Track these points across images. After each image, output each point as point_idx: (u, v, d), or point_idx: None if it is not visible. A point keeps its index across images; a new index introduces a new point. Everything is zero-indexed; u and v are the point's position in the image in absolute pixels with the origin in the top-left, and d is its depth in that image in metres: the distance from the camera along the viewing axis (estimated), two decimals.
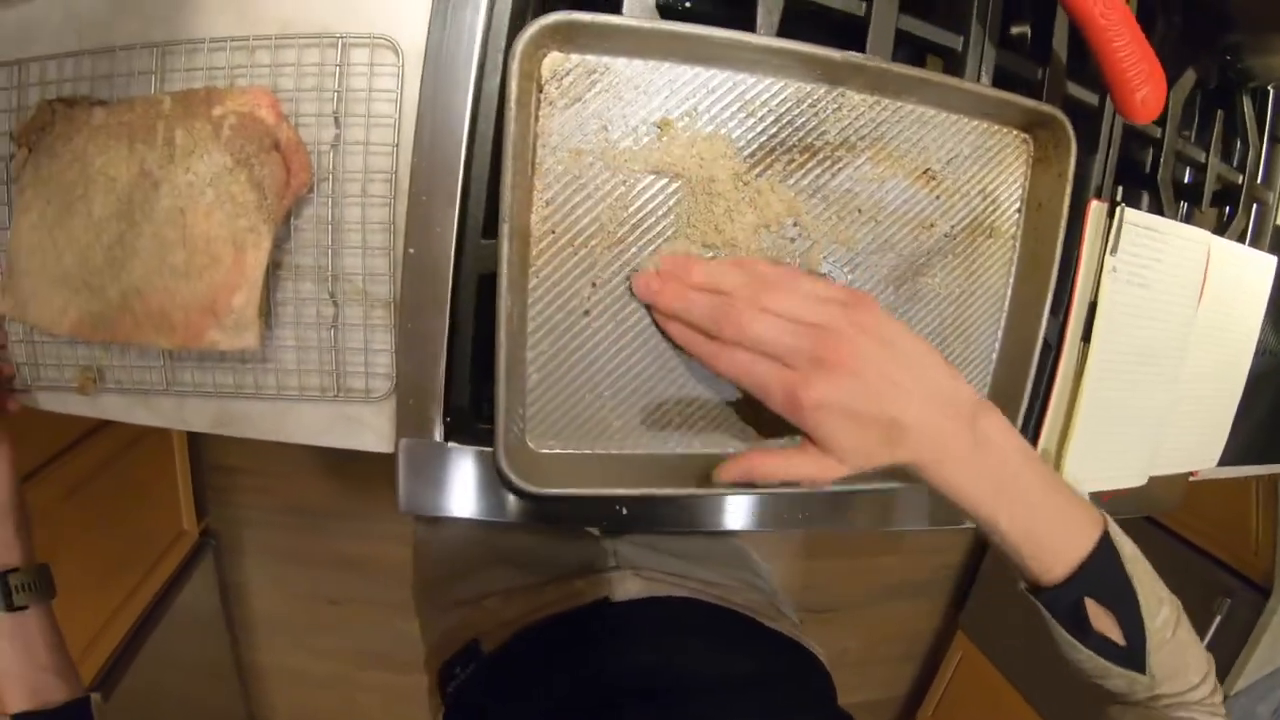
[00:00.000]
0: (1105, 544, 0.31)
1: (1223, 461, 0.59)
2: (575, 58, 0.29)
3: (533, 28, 0.27)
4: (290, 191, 0.31)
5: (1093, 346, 0.41)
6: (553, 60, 0.29)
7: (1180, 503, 0.56)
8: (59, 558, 0.37)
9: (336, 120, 0.32)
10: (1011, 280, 0.38)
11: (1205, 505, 1.05)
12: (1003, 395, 0.38)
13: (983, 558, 1.67)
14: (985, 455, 0.29)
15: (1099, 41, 0.33)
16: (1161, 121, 0.43)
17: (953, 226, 0.36)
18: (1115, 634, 0.31)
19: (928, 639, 1.72)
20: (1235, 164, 0.48)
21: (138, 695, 0.85)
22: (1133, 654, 0.31)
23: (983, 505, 0.30)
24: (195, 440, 1.22)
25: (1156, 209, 0.44)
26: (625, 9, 0.30)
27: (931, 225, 0.35)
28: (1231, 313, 0.48)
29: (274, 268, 0.33)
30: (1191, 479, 0.55)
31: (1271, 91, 0.49)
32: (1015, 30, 0.40)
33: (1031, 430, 0.43)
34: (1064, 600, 0.31)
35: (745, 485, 0.30)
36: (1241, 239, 0.49)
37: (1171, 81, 0.43)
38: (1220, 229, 0.47)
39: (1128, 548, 0.31)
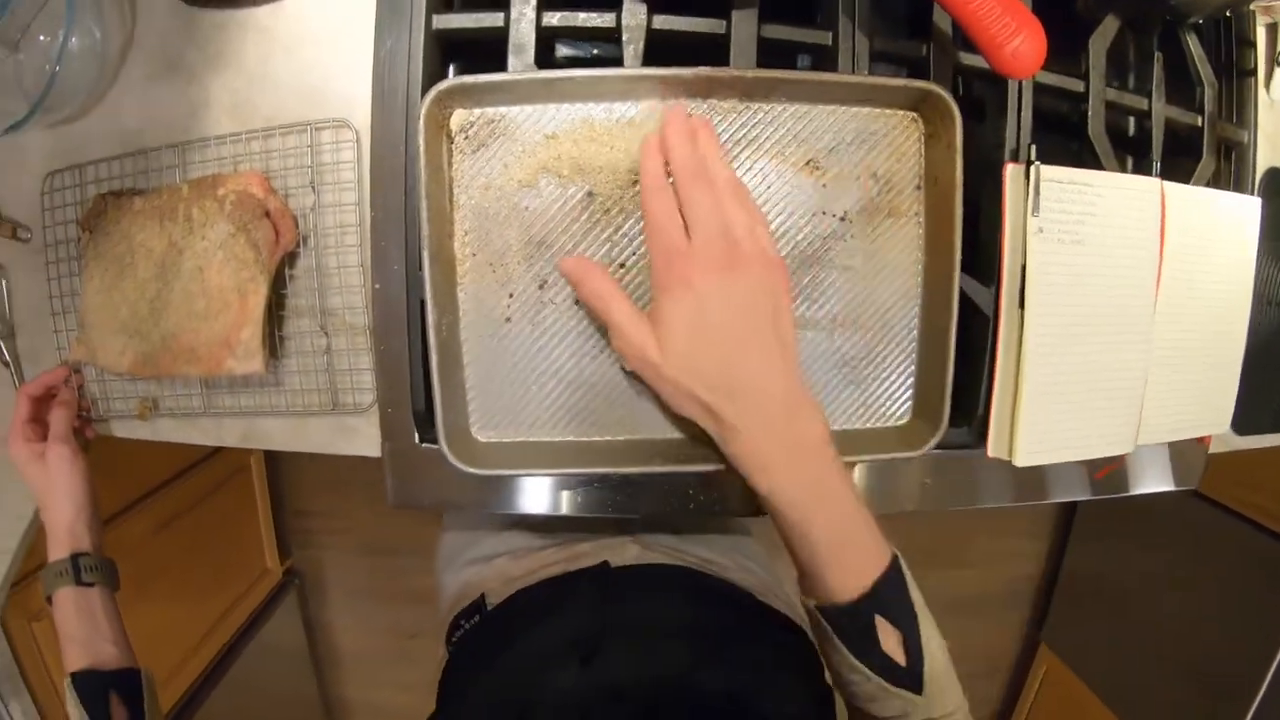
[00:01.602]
0: (897, 565, 0.33)
1: (1256, 430, 0.56)
2: (477, 111, 0.37)
3: (431, 94, 0.35)
4: (279, 248, 0.41)
5: (1029, 312, 0.43)
6: (459, 116, 0.37)
7: (1200, 475, 0.54)
8: (147, 588, 0.48)
9: (314, 188, 0.42)
10: (922, 257, 0.41)
11: (1271, 481, 0.94)
12: (929, 371, 0.40)
13: (1060, 568, 1.59)
14: (811, 454, 0.32)
15: (952, 4, 0.36)
16: (1084, 74, 0.45)
17: (845, 211, 0.40)
18: (898, 654, 0.33)
19: (1009, 655, 1.65)
20: (1196, 107, 0.48)
21: None
22: (912, 674, 0.33)
23: (795, 507, 0.32)
24: (276, 486, 1.42)
25: (1096, 165, 0.45)
26: (509, 66, 0.38)
27: (823, 213, 0.39)
28: (1210, 263, 0.47)
29: (278, 309, 0.43)
30: (1210, 449, 0.53)
31: (1233, 19, 0.48)
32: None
33: (981, 404, 0.45)
34: (855, 618, 0.33)
35: (574, 286, 0.34)
36: (1218, 183, 0.48)
37: (1090, 30, 0.45)
38: (1186, 176, 0.47)
39: (908, 574, 0.34)
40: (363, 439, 0.45)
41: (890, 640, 0.33)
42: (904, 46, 0.42)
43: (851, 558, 0.33)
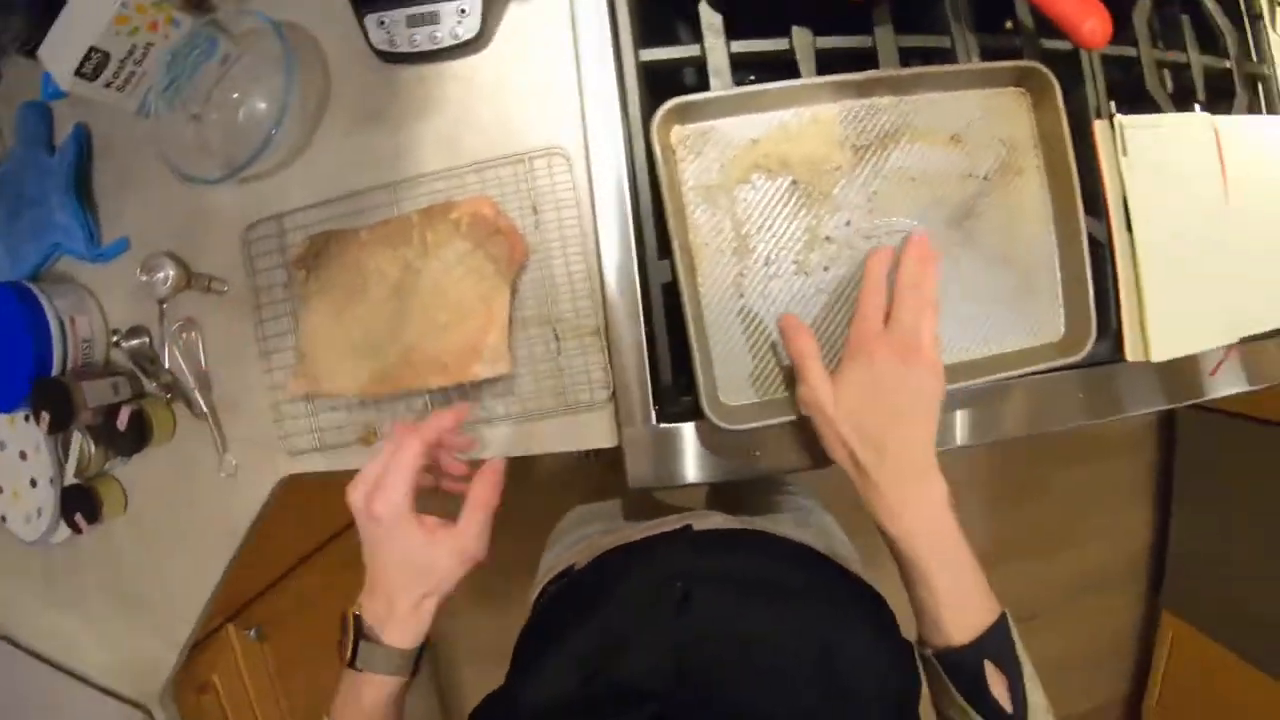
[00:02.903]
0: (1005, 619, 0.49)
1: None
2: (690, 126, 0.58)
3: (660, 113, 0.56)
4: (515, 260, 0.60)
5: (1137, 231, 0.66)
6: (676, 131, 0.58)
7: None
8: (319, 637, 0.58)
9: (534, 209, 0.61)
10: (1050, 200, 0.64)
11: None
12: (1072, 289, 0.63)
13: (1169, 531, 1.96)
14: (934, 510, 0.49)
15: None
16: (1133, 41, 0.71)
17: (986, 172, 0.62)
18: (1005, 701, 0.47)
19: (1134, 628, 2.02)
20: (1222, 53, 0.75)
21: None
22: None
23: (918, 554, 0.49)
24: None
25: (1157, 113, 0.71)
26: (712, 87, 0.59)
27: (969, 175, 0.62)
28: (1268, 173, 0.73)
29: (509, 323, 0.61)
30: None
31: None
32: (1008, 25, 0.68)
33: (1114, 321, 0.67)
34: (969, 661, 0.47)
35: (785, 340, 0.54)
36: (1254, 112, 0.75)
37: (1131, 6, 0.71)
38: (1228, 111, 0.74)
39: (1016, 631, 0.50)
40: (595, 433, 0.62)
41: (998, 687, 0.48)
42: (1000, 40, 0.66)
43: (965, 604, 0.49)
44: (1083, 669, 1.98)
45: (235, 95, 0.65)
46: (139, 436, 0.63)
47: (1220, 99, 0.75)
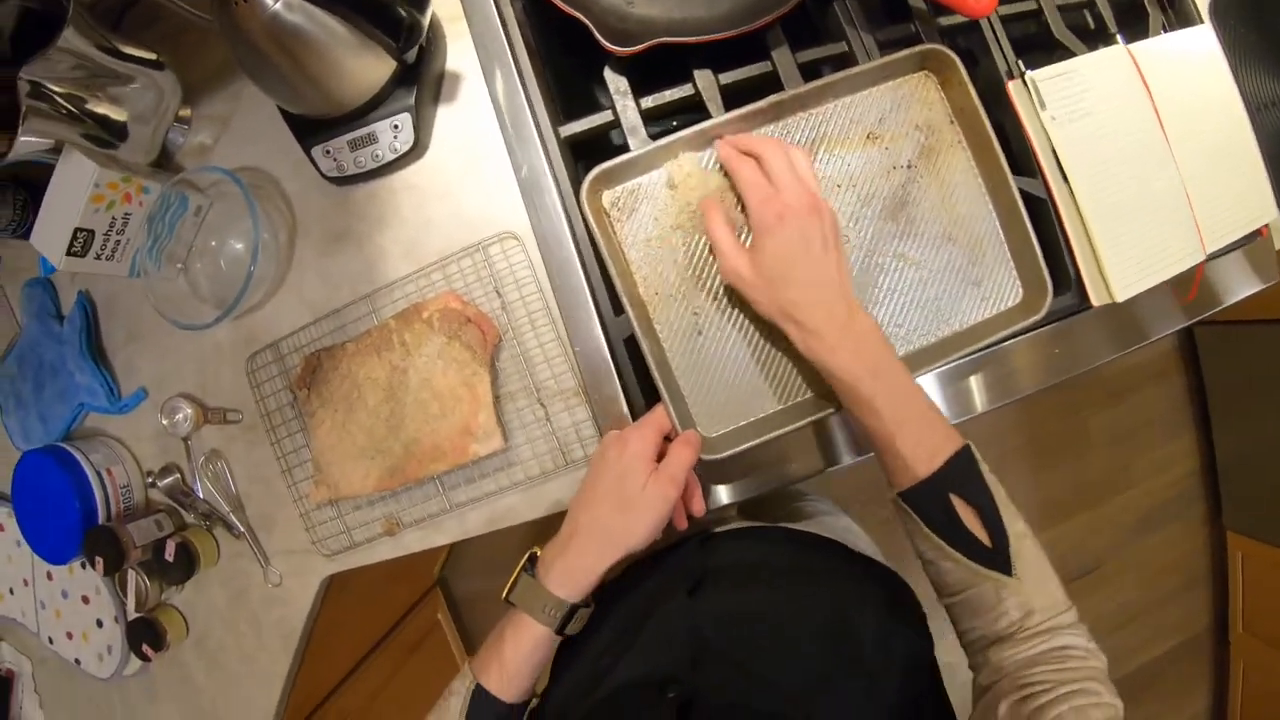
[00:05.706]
0: (968, 450, 0.50)
1: None
2: (618, 188, 0.67)
3: (585, 184, 0.64)
4: (488, 343, 0.69)
5: (1073, 180, 0.73)
6: (606, 196, 0.67)
7: (1277, 267, 0.84)
8: None
9: (498, 292, 0.70)
10: (978, 172, 0.71)
11: None
12: (1020, 251, 0.69)
13: (1214, 452, 2.05)
14: (869, 340, 0.53)
15: None
16: None
17: (909, 160, 0.70)
18: (981, 534, 0.48)
19: (1202, 556, 2.11)
20: None
21: None
22: (998, 554, 0.47)
23: (863, 381, 0.51)
24: (469, 638, 1.82)
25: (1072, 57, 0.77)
26: (631, 146, 0.68)
27: (894, 168, 0.70)
28: (1194, 89, 0.78)
29: (496, 400, 0.71)
30: (1277, 244, 0.83)
31: None
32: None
33: (1071, 271, 0.74)
34: (934, 495, 0.49)
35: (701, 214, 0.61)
36: (1171, 28, 0.81)
37: None
38: (1145, 34, 0.80)
39: (984, 464, 0.51)
40: None
41: (971, 519, 0.49)
42: (897, 30, 0.73)
43: (920, 432, 0.51)
44: (1161, 607, 2.05)
45: (214, 242, 0.76)
46: (187, 564, 0.74)
47: (1138, 23, 0.82)
